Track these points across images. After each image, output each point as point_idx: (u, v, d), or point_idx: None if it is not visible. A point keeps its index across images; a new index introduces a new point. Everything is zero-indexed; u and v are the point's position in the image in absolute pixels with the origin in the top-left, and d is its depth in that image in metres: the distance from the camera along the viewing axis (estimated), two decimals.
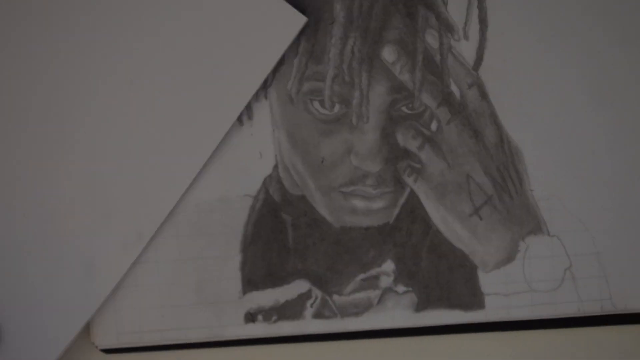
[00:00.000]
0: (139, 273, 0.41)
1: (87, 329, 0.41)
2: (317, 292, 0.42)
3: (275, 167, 0.42)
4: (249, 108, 0.41)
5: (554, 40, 0.42)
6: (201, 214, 0.42)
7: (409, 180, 0.42)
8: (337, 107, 0.41)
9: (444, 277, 0.42)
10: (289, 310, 0.42)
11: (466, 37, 0.42)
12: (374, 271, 0.42)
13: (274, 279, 0.42)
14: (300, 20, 0.40)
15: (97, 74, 0.41)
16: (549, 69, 0.42)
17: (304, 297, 0.42)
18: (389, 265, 0.42)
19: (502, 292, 0.42)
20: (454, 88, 0.42)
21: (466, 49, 0.42)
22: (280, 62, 0.41)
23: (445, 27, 0.41)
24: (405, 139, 0.42)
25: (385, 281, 0.42)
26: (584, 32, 0.42)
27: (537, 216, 0.42)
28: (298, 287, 0.42)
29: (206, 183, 0.42)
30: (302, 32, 0.41)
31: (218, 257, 0.42)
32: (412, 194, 0.42)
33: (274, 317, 0.42)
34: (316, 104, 0.41)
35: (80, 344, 0.42)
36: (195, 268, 0.42)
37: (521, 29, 0.42)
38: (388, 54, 0.41)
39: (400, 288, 0.42)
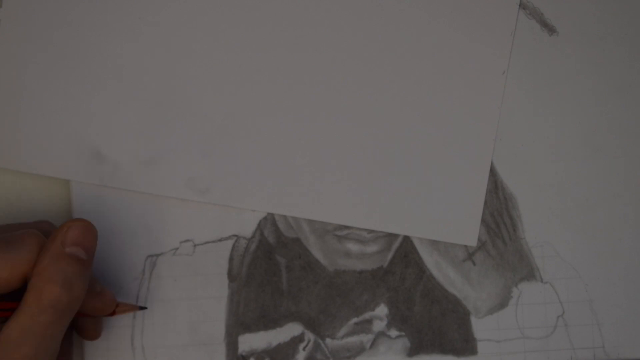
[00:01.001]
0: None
1: None
2: (310, 336, 0.42)
3: None
4: None
5: (550, 89, 0.42)
6: (196, 254, 0.42)
7: None
8: None
9: (437, 322, 0.42)
10: (282, 353, 0.42)
11: None
12: (367, 315, 0.42)
13: (267, 321, 0.42)
14: None
15: None
16: (545, 118, 0.42)
17: (297, 340, 0.42)
18: (382, 310, 0.42)
19: (495, 339, 0.42)
20: None
21: None
22: None
23: None
24: None
25: (378, 325, 0.42)
26: (579, 82, 0.42)
27: (530, 263, 0.42)
28: (291, 330, 0.42)
29: (202, 224, 0.42)
30: None
31: (212, 298, 0.42)
32: (406, 239, 0.42)
33: None
34: None
35: None
36: (189, 308, 0.42)
37: (518, 78, 0.42)
38: None
39: (393, 332, 0.42)
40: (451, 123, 0.41)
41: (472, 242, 0.42)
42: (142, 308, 0.41)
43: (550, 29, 0.42)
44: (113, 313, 0.39)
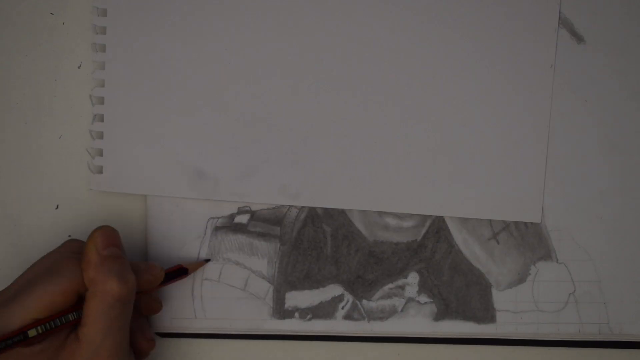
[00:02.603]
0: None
1: None
2: (348, 297, 0.47)
3: None
4: None
5: (570, 90, 0.47)
6: (252, 219, 0.47)
7: None
8: None
9: (462, 292, 0.47)
10: (323, 310, 0.47)
11: None
12: (400, 282, 0.48)
13: (312, 282, 0.47)
14: None
15: None
16: (566, 115, 0.47)
17: (337, 300, 0.47)
18: (414, 278, 0.48)
19: (512, 310, 0.47)
20: None
21: None
22: None
23: None
24: None
25: (410, 291, 0.47)
26: (599, 83, 0.47)
27: (548, 245, 0.47)
28: (332, 290, 0.47)
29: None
30: None
31: (264, 258, 0.47)
32: (439, 217, 0.47)
33: (309, 316, 0.47)
34: None
35: None
36: (244, 266, 0.47)
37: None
38: None
39: (423, 298, 0.47)
40: (507, 105, 0.46)
41: (537, 218, 0.47)
42: (207, 260, 0.47)
43: (579, 38, 0.47)
44: (172, 281, 0.45)
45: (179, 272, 0.45)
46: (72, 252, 0.42)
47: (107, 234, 0.41)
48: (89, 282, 0.39)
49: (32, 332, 0.38)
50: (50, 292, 0.39)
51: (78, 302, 0.40)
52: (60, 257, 0.41)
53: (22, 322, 0.38)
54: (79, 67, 0.47)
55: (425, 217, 0.47)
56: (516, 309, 0.47)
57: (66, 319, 0.39)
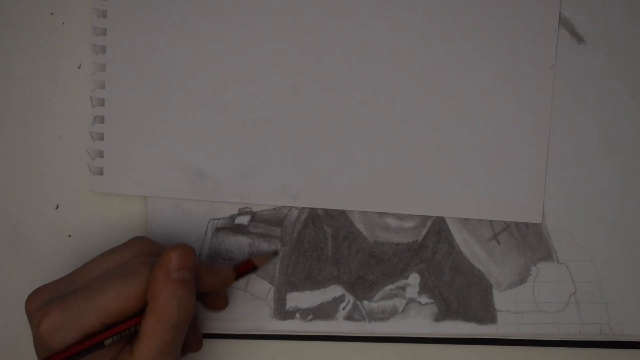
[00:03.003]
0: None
1: None
2: (349, 297, 0.47)
3: None
4: None
5: (570, 90, 0.47)
6: (253, 221, 0.47)
7: None
8: None
9: (462, 293, 0.47)
10: (324, 311, 0.47)
11: None
12: (401, 282, 0.48)
13: (312, 283, 0.47)
14: None
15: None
16: (566, 115, 0.47)
17: (338, 300, 0.47)
18: (414, 279, 0.47)
19: (513, 310, 0.47)
20: None
21: None
22: None
23: None
24: None
25: (411, 292, 0.47)
26: (599, 83, 0.47)
27: (549, 245, 0.47)
28: (333, 291, 0.47)
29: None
30: None
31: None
32: (440, 217, 0.47)
33: (310, 316, 0.47)
34: None
35: None
36: None
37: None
38: None
39: (423, 299, 0.47)
40: (507, 105, 0.46)
41: (537, 219, 0.47)
42: (275, 254, 0.46)
43: (579, 38, 0.47)
44: (238, 277, 0.44)
45: (248, 268, 0.44)
46: (145, 253, 0.41)
47: (184, 256, 0.39)
48: (151, 298, 0.38)
49: (107, 342, 0.38)
50: (125, 296, 0.38)
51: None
52: (133, 258, 0.40)
53: (95, 322, 0.37)
54: (79, 67, 0.47)
55: (425, 218, 0.47)
56: (517, 310, 0.47)
57: (137, 329, 0.39)
